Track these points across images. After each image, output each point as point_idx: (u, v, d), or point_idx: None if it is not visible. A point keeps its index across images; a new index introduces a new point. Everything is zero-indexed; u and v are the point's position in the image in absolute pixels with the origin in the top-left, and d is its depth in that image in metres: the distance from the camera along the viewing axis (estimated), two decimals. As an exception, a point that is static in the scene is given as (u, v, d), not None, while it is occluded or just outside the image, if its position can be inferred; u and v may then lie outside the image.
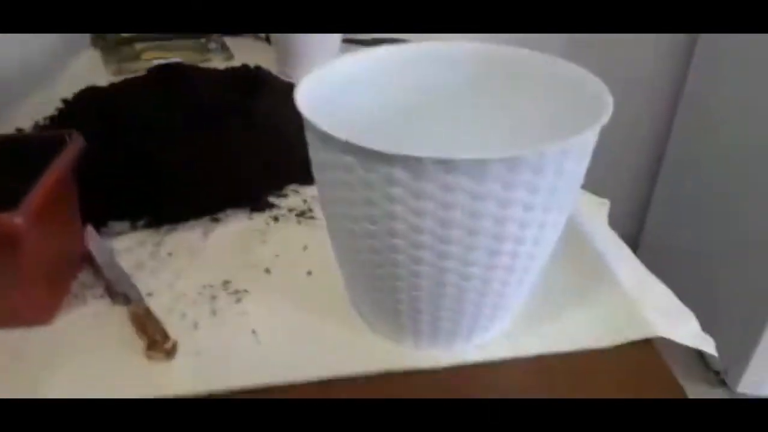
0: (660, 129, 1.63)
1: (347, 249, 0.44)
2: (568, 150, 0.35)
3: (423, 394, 0.46)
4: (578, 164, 0.37)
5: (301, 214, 0.65)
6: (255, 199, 0.67)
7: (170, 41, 1.03)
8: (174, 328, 0.51)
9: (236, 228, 0.64)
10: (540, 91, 0.47)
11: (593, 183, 0.70)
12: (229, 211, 0.66)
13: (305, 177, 0.54)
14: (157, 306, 0.54)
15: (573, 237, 0.60)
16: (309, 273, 0.57)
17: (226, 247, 0.61)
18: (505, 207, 0.36)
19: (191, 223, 0.65)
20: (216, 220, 0.65)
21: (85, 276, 0.58)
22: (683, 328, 0.51)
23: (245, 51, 1.04)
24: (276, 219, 0.65)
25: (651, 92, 1.57)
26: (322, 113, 0.37)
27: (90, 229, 0.61)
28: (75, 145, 0.53)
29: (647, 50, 1.50)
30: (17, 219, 0.44)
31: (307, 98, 0.39)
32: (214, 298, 0.55)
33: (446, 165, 0.33)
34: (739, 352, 1.31)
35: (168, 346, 0.49)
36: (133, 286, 0.56)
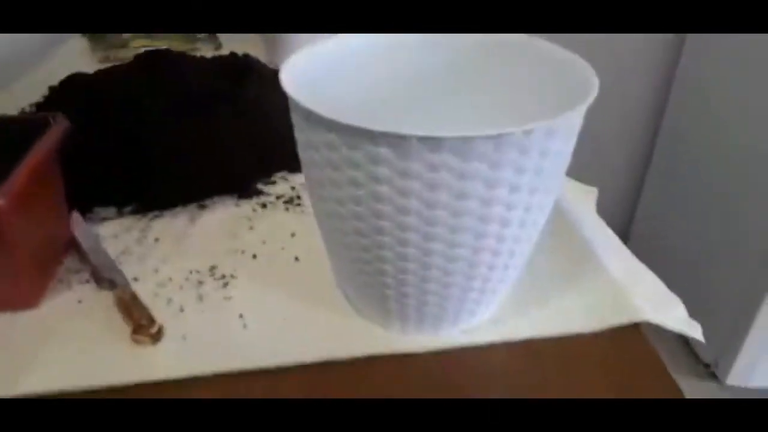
0: (651, 119, 1.63)
1: (334, 232, 0.43)
2: (554, 130, 0.35)
3: (409, 379, 0.46)
4: (564, 145, 0.37)
5: (289, 201, 0.65)
6: (243, 186, 0.66)
7: (159, 30, 1.02)
8: (160, 312, 0.51)
9: (223, 214, 0.63)
10: (528, 74, 0.46)
11: (584, 172, 0.70)
12: (216, 198, 0.66)
13: (294, 164, 0.54)
14: (143, 291, 0.53)
15: (561, 224, 0.60)
16: (296, 259, 0.57)
17: (213, 233, 0.61)
18: (491, 187, 0.36)
19: (178, 209, 0.64)
20: (203, 207, 0.65)
21: (70, 261, 0.58)
22: (670, 314, 0.51)
23: (234, 39, 1.03)
24: (264, 206, 0.65)
25: (642, 82, 1.58)
26: (308, 94, 0.37)
27: (76, 215, 0.61)
28: (59, 127, 0.53)
29: (639, 39, 1.51)
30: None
31: (293, 78, 0.39)
32: (200, 283, 0.54)
33: (431, 143, 0.33)
34: (728, 344, 1.32)
35: (154, 330, 0.49)
36: (119, 272, 0.55)
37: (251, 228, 0.61)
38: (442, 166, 0.34)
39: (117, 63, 0.79)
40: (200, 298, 0.53)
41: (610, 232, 0.59)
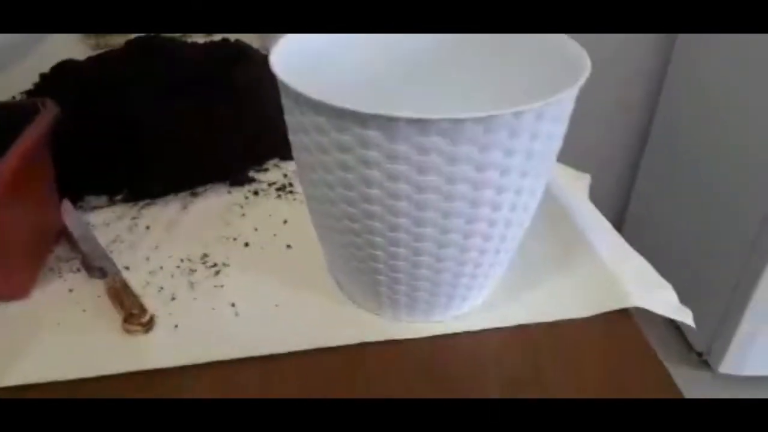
0: (646, 106, 1.63)
1: (325, 217, 0.43)
2: (545, 112, 0.35)
3: (401, 365, 0.46)
4: (555, 127, 0.37)
5: (282, 189, 0.65)
6: (235, 174, 0.66)
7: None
8: (152, 301, 0.51)
9: (215, 202, 0.63)
10: (521, 58, 0.46)
11: (579, 160, 0.70)
12: (208, 186, 0.65)
13: (286, 152, 0.54)
14: (134, 279, 0.53)
15: (553, 210, 0.60)
16: (288, 246, 0.57)
17: (204, 221, 0.60)
18: (481, 171, 0.36)
19: (170, 197, 0.64)
20: (195, 195, 0.64)
21: (61, 250, 0.57)
22: (661, 300, 0.51)
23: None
24: (256, 193, 0.64)
25: (637, 68, 1.57)
26: (299, 78, 0.37)
27: (66, 203, 0.60)
28: (48, 113, 0.52)
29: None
30: (-13, 186, 0.43)
31: (283, 61, 0.39)
32: (192, 271, 0.54)
33: (420, 125, 0.33)
34: (720, 332, 1.32)
35: (145, 319, 0.49)
36: (110, 260, 0.55)
37: (243, 215, 0.61)
38: (431, 148, 0.34)
39: (108, 49, 0.78)
40: (192, 286, 0.53)
41: (602, 218, 0.59)
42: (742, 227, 1.24)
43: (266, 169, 0.68)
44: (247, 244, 0.57)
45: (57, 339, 0.48)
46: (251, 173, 0.67)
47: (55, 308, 0.51)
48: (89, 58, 0.75)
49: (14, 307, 0.51)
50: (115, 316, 0.49)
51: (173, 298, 0.51)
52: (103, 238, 0.58)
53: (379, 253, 0.42)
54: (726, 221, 1.30)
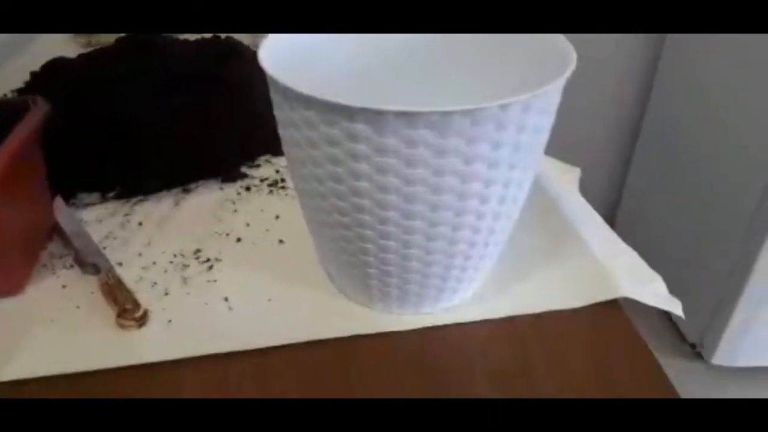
0: (636, 101, 1.64)
1: (315, 211, 0.44)
2: (531, 104, 0.35)
3: (392, 357, 0.46)
4: (542, 120, 0.38)
5: (273, 184, 0.65)
6: (227, 170, 0.66)
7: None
8: (145, 296, 0.51)
9: (207, 198, 0.63)
10: (509, 52, 0.46)
11: (571, 154, 0.70)
12: (200, 182, 0.66)
13: (277, 147, 0.54)
14: (127, 275, 0.53)
15: (542, 203, 0.61)
16: (281, 241, 0.57)
17: (197, 216, 0.61)
18: (469, 163, 0.36)
19: (162, 193, 0.64)
20: (187, 191, 0.65)
21: (54, 247, 0.57)
22: (650, 290, 0.52)
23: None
24: (248, 189, 0.65)
25: (629, 62, 1.58)
26: (288, 73, 0.37)
27: (59, 200, 0.60)
28: (39, 110, 0.52)
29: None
30: (-21, 183, 0.44)
31: (272, 56, 0.39)
32: (185, 266, 0.55)
33: (408, 118, 0.33)
34: (713, 324, 1.33)
35: (139, 314, 0.49)
36: (103, 256, 0.55)
37: (235, 211, 0.61)
38: (419, 141, 0.34)
39: (99, 47, 0.78)
40: (185, 281, 0.53)
41: (591, 210, 0.60)
42: (734, 220, 1.25)
43: (258, 165, 0.68)
44: (239, 240, 0.58)
45: (51, 335, 0.48)
46: (243, 169, 0.67)
47: (48, 304, 0.51)
48: (80, 56, 0.75)
49: (8, 304, 0.51)
50: (109, 312, 0.49)
51: (166, 293, 0.52)
52: (95, 234, 0.58)
53: (369, 246, 0.42)
54: (717, 214, 1.30)
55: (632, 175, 1.67)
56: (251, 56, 0.75)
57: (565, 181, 0.65)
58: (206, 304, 0.50)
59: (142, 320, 0.49)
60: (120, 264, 0.55)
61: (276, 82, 0.37)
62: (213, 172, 0.66)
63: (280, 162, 0.69)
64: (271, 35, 0.42)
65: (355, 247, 0.43)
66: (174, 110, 0.66)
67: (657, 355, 0.45)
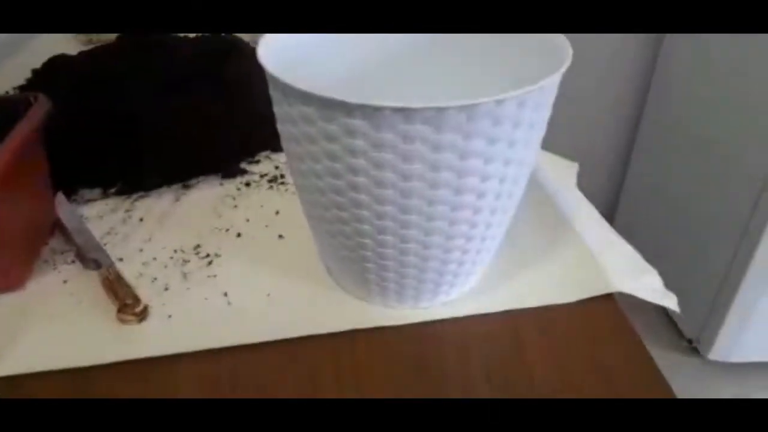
0: (634, 99, 1.64)
1: (314, 206, 0.44)
2: (526, 100, 0.36)
3: (390, 351, 0.47)
4: (537, 115, 0.38)
5: (273, 180, 0.65)
6: (227, 166, 0.67)
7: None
8: (145, 291, 0.52)
9: (208, 194, 0.64)
10: (506, 52, 0.47)
11: (570, 152, 0.71)
12: (200, 178, 0.66)
13: (277, 143, 0.54)
14: (128, 270, 0.54)
15: (540, 198, 0.61)
16: (280, 237, 0.58)
17: (197, 212, 0.61)
18: (465, 158, 0.36)
19: (163, 189, 0.65)
20: (187, 187, 0.65)
21: (56, 242, 0.58)
22: (646, 285, 0.52)
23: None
24: (248, 185, 0.65)
25: (625, 65, 1.58)
26: (286, 69, 0.37)
27: (60, 196, 0.61)
28: (40, 107, 0.53)
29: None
30: (-19, 180, 0.44)
31: (271, 54, 0.39)
32: (185, 262, 0.55)
33: (405, 113, 0.34)
34: (710, 319, 1.34)
35: (139, 309, 0.49)
36: (104, 252, 0.56)
37: (235, 207, 0.62)
38: (416, 137, 0.35)
39: (100, 44, 0.79)
40: (185, 276, 0.53)
41: (589, 205, 0.60)
42: (731, 217, 1.25)
43: (258, 161, 0.69)
44: (239, 235, 0.58)
45: (52, 329, 0.49)
46: (243, 165, 0.68)
47: (50, 299, 0.51)
48: (81, 53, 0.76)
49: (10, 299, 0.52)
50: (110, 307, 0.50)
51: (167, 289, 0.52)
52: (97, 230, 0.59)
53: (367, 241, 0.43)
54: (715, 212, 1.31)
55: (631, 173, 1.68)
56: (251, 53, 0.75)
57: (562, 176, 0.65)
58: (206, 299, 0.51)
59: (142, 315, 0.49)
60: (121, 259, 0.55)
61: (275, 79, 0.37)
62: (213, 168, 0.67)
63: (280, 158, 0.69)
64: (269, 33, 0.43)
65: (353, 241, 0.43)
66: (174, 107, 0.67)
67: (654, 350, 0.46)
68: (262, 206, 0.62)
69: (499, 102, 0.34)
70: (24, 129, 0.50)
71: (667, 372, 0.45)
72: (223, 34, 0.78)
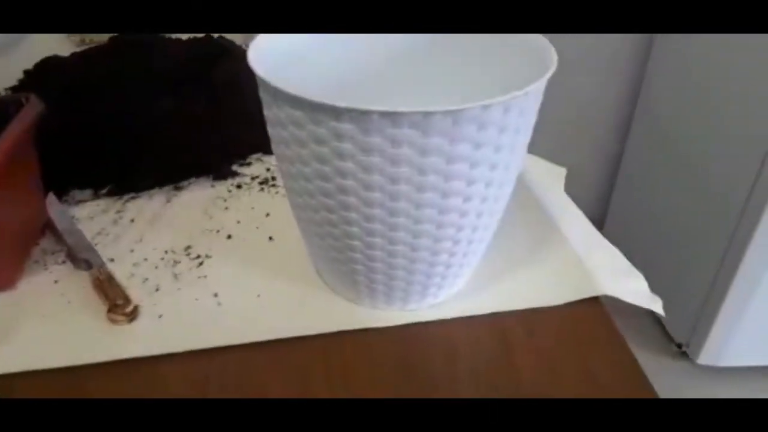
0: (626, 102, 1.65)
1: (304, 209, 0.45)
2: (512, 105, 0.36)
3: (379, 352, 0.47)
4: (523, 120, 0.39)
5: (264, 182, 0.66)
6: (218, 168, 0.67)
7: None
8: (136, 292, 0.52)
9: (199, 195, 0.64)
10: (495, 55, 0.47)
11: (560, 156, 0.72)
12: (192, 179, 0.66)
13: (269, 146, 0.55)
14: (119, 271, 0.54)
15: (528, 202, 0.62)
16: (271, 238, 0.58)
17: (188, 213, 0.62)
18: (451, 162, 0.37)
19: (154, 190, 0.65)
20: (179, 188, 0.65)
21: (47, 243, 0.58)
22: (631, 288, 0.53)
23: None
24: (239, 187, 0.65)
25: (615, 68, 1.59)
26: (277, 73, 0.38)
27: (52, 197, 0.61)
28: (32, 108, 0.53)
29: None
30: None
31: (262, 57, 0.40)
32: (176, 263, 0.55)
33: (392, 118, 0.34)
34: (699, 324, 1.35)
35: (129, 309, 0.50)
36: (95, 252, 0.56)
37: (226, 208, 0.62)
38: (403, 141, 0.35)
39: (93, 45, 0.79)
40: (175, 277, 0.54)
41: (576, 209, 0.61)
42: (721, 221, 1.27)
43: (249, 163, 0.69)
44: (230, 237, 0.58)
45: (43, 329, 0.49)
46: (234, 167, 0.68)
47: (40, 299, 0.52)
48: (73, 55, 0.76)
49: (0, 299, 0.52)
50: (100, 307, 0.50)
51: (157, 289, 0.52)
52: (88, 230, 0.59)
53: (355, 243, 0.43)
54: (704, 215, 1.32)
55: (621, 177, 1.69)
56: (242, 56, 0.75)
57: (550, 180, 0.66)
58: (196, 299, 0.51)
59: (132, 315, 0.50)
60: (112, 260, 0.55)
61: (265, 82, 0.37)
62: (205, 169, 0.67)
63: (271, 160, 0.70)
64: (260, 36, 0.43)
65: (342, 244, 0.44)
66: (167, 109, 0.67)
67: (644, 354, 0.47)
68: (253, 208, 0.62)
69: (485, 107, 0.35)
70: (15, 130, 0.50)
71: (658, 376, 0.45)
72: (215, 36, 0.79)
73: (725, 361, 1.37)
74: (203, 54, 0.74)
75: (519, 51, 0.45)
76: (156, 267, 0.55)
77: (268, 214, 0.61)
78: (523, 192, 0.63)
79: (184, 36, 0.79)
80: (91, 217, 0.61)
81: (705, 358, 1.37)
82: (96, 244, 0.57)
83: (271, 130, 0.42)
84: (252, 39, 0.43)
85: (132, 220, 0.61)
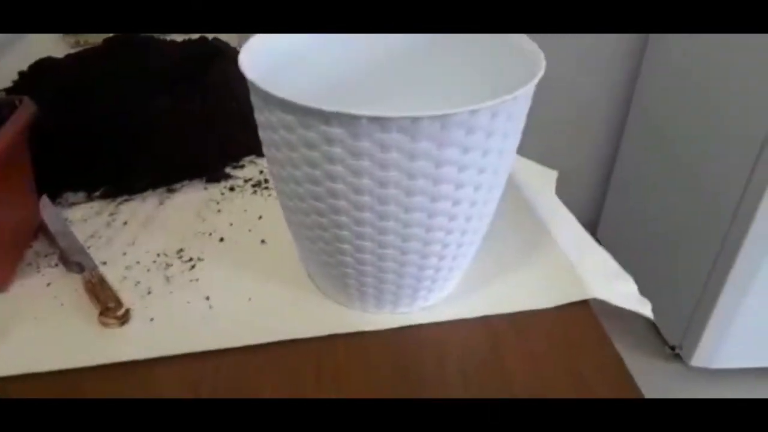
0: (620, 105, 1.66)
1: (295, 212, 0.45)
2: (500, 110, 0.36)
3: (369, 355, 0.47)
4: (511, 125, 0.39)
5: (257, 185, 0.66)
6: (211, 170, 0.67)
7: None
8: (128, 295, 0.52)
9: (192, 198, 0.64)
10: (486, 58, 0.48)
11: (554, 159, 0.72)
12: (185, 182, 0.67)
13: (261, 149, 0.56)
14: (111, 274, 0.54)
15: (518, 205, 0.62)
16: (263, 241, 0.58)
17: (180, 216, 0.62)
18: (439, 166, 0.37)
19: (147, 193, 0.65)
20: (172, 191, 0.66)
21: (39, 245, 0.58)
22: (621, 292, 0.53)
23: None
24: (232, 189, 0.66)
25: (610, 70, 1.60)
26: (269, 77, 0.38)
27: (45, 199, 0.61)
28: (25, 110, 0.53)
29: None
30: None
31: (253, 60, 0.40)
32: (168, 266, 0.56)
33: (381, 122, 0.34)
34: (692, 326, 1.36)
35: (120, 312, 0.50)
36: (87, 255, 0.56)
37: (219, 211, 0.62)
38: (392, 145, 0.36)
39: (87, 47, 0.79)
40: (168, 280, 0.54)
41: (566, 211, 0.61)
42: (713, 224, 1.27)
43: (242, 166, 0.70)
44: (222, 239, 0.59)
45: (35, 332, 0.49)
46: (227, 170, 0.69)
47: (33, 302, 0.52)
48: (68, 56, 0.76)
49: (-8, 301, 0.52)
50: (92, 310, 0.50)
51: (149, 292, 0.53)
52: (80, 233, 0.59)
53: (346, 246, 0.43)
54: (697, 218, 1.33)
55: (614, 179, 1.70)
56: (236, 58, 0.76)
57: (541, 182, 0.66)
58: (188, 302, 0.51)
59: (124, 318, 0.50)
60: (104, 263, 0.56)
61: (255, 87, 0.38)
62: (198, 172, 0.67)
63: (264, 163, 0.70)
64: (252, 39, 0.44)
65: (332, 247, 0.44)
66: (160, 111, 0.67)
67: (638, 356, 0.47)
68: (245, 211, 0.62)
69: (473, 112, 0.35)
70: (8, 132, 0.50)
71: (651, 378, 0.46)
72: (209, 38, 0.79)
73: (718, 363, 1.38)
74: (197, 56, 0.74)
75: (510, 53, 0.45)
76: (148, 270, 0.55)
77: (260, 217, 0.61)
78: (514, 195, 0.63)
79: (179, 38, 0.79)
80: (84, 219, 0.61)
81: (698, 360, 1.37)
82: (89, 247, 0.57)
83: (261, 134, 0.43)
84: (246, 40, 0.43)
85: (125, 223, 0.61)
